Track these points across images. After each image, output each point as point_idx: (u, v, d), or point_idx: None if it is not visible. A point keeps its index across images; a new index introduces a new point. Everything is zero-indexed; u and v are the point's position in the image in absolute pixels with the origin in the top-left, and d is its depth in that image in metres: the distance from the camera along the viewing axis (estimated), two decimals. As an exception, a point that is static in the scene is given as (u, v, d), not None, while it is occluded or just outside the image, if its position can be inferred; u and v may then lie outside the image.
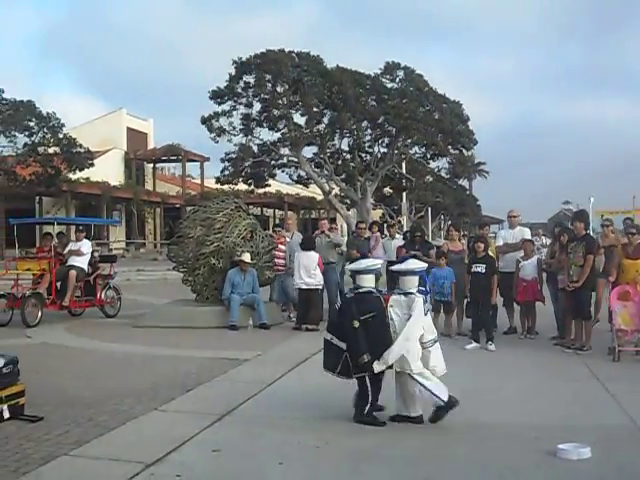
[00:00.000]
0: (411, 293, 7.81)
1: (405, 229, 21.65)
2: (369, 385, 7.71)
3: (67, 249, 17.65)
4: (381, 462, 6.55)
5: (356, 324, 7.53)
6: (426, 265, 8.81)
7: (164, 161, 65.61)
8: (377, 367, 7.51)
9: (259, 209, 58.99)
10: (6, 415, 7.92)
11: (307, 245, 15.91)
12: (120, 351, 13.04)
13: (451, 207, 58.92)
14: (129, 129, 61.85)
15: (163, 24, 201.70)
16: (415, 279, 7.97)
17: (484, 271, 13.03)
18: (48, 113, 39.49)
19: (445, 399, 7.59)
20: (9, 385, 8.11)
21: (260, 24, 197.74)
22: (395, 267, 8.40)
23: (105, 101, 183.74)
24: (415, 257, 15.06)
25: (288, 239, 17.57)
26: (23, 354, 8.96)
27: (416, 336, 7.61)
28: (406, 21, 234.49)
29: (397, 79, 39.39)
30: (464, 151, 46.11)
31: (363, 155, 42.49)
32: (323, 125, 40.77)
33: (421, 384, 7.57)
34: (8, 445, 7.10)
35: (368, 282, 7.88)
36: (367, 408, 7.69)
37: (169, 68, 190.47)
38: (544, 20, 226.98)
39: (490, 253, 13.74)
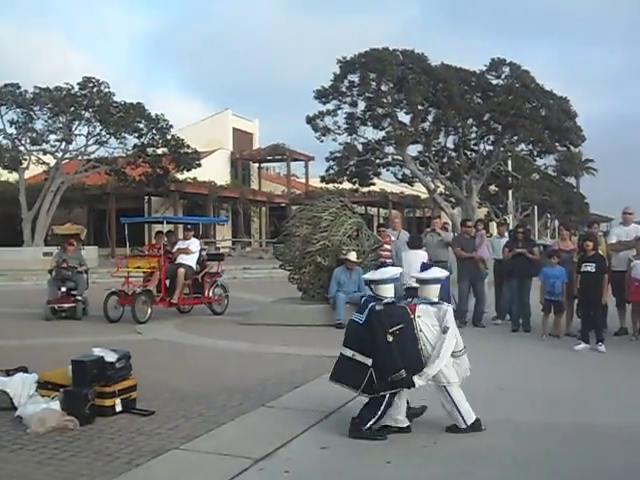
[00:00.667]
0: (438, 303, 7.51)
1: (511, 228, 21.34)
2: (386, 401, 7.23)
3: (176, 247, 17.97)
4: (489, 464, 6.46)
5: (390, 338, 7.08)
6: (448, 274, 8.43)
7: (269, 161, 66.22)
8: (420, 382, 7.18)
9: (363, 208, 58.93)
10: (119, 408, 8.11)
11: (415, 243, 15.80)
12: (228, 348, 13.21)
13: (558, 205, 57.83)
14: (235, 129, 62.66)
15: (266, 25, 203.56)
16: (437, 288, 7.69)
17: (594, 270, 12.69)
18: (157, 115, 40.28)
19: (469, 422, 7.32)
20: (122, 379, 8.31)
21: (361, 23, 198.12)
22: (416, 275, 8.02)
23: (210, 102, 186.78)
24: (520, 255, 15.03)
25: (394, 238, 17.52)
26: (134, 350, 9.13)
27: (452, 348, 7.37)
28: (512, 16, 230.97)
29: (503, 75, 38.79)
30: (572, 148, 45.14)
31: (468, 153, 42.00)
32: (428, 123, 40.47)
33: (451, 397, 7.34)
34: (121, 437, 7.27)
35: (389, 292, 7.55)
36: (371, 423, 7.18)
37: (273, 69, 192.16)
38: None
39: (600, 252, 13.41)
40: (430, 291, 7.64)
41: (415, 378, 7.11)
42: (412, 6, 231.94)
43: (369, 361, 7.18)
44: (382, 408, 7.19)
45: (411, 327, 7.21)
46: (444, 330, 7.26)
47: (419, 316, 7.29)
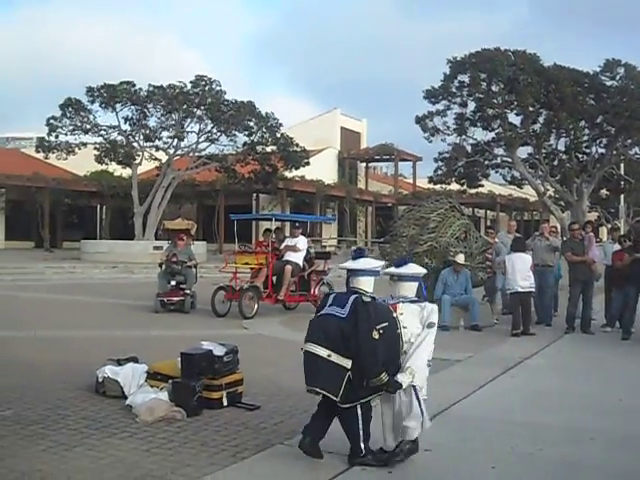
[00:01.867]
0: (419, 301, 6.74)
1: (622, 233, 20.86)
2: (360, 414, 6.39)
3: (284, 245, 18.11)
4: (598, 474, 6.32)
5: (376, 335, 6.21)
6: (425, 271, 7.27)
7: (377, 160, 66.14)
8: (406, 380, 6.34)
9: (470, 210, 58.33)
10: (225, 402, 8.24)
11: (518, 246, 15.59)
12: (332, 346, 13.24)
13: (671, 210, 56.18)
14: (343, 129, 62.74)
15: (376, 23, 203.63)
16: (415, 285, 6.83)
17: None
18: (267, 113, 40.61)
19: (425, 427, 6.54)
20: (229, 373, 8.44)
21: (469, 23, 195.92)
22: (393, 270, 6.93)
23: (317, 102, 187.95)
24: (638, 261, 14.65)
25: (496, 239, 17.44)
26: (240, 344, 9.26)
27: (433, 346, 6.62)
28: (625, 15, 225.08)
29: (617, 77, 37.91)
30: (688, 152, 43.79)
31: (580, 156, 41.13)
32: (539, 125, 39.82)
33: (419, 399, 6.45)
34: (227, 430, 7.40)
35: (369, 286, 6.54)
36: (362, 439, 6.38)
37: (382, 68, 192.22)
38: None
39: None
40: (407, 288, 6.77)
41: (399, 376, 6.32)
42: (520, 4, 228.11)
43: (348, 363, 6.27)
44: (360, 417, 6.39)
45: (394, 327, 6.41)
46: (429, 325, 6.57)
47: (401, 313, 6.53)
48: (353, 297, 6.36)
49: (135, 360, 9.25)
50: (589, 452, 6.97)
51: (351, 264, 6.66)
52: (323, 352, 6.32)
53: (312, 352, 6.42)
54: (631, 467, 6.50)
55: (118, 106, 38.94)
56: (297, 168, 42.95)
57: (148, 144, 40.48)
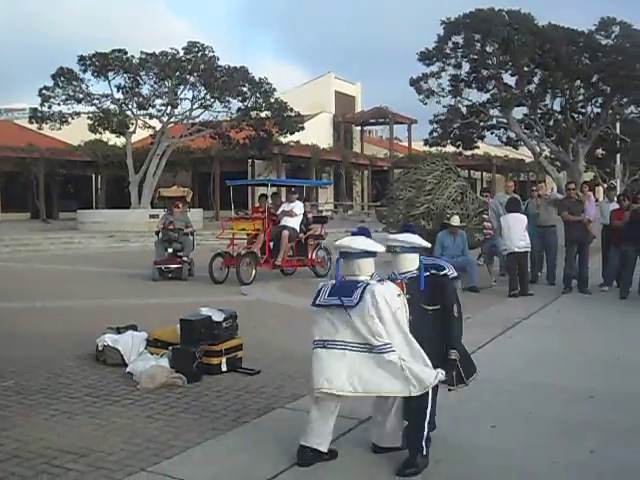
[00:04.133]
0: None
1: (618, 192, 20.83)
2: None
3: (280, 210, 18.10)
4: (597, 432, 6.35)
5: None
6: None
7: (372, 124, 66.12)
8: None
9: (466, 171, 58.25)
10: (224, 368, 8.27)
11: (513, 207, 15.58)
12: (331, 310, 13.28)
13: (668, 169, 56.16)
14: (337, 93, 62.49)
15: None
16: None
17: None
18: (260, 79, 40.39)
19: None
20: (229, 339, 8.48)
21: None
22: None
23: (310, 66, 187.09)
24: (636, 221, 14.63)
25: (491, 200, 17.46)
26: (239, 310, 9.30)
27: None
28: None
29: (612, 35, 37.65)
30: (685, 111, 43.66)
31: (575, 116, 40.94)
32: (534, 85, 39.60)
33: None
34: (227, 395, 7.45)
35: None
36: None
37: (375, 31, 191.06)
38: None
39: None
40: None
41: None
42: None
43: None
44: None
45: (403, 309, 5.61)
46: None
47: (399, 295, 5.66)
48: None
49: (134, 328, 9.29)
50: (588, 410, 7.02)
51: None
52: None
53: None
54: (630, 425, 6.54)
55: (110, 74, 38.75)
56: (292, 133, 42.82)
57: (142, 112, 40.32)
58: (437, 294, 5.87)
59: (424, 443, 5.58)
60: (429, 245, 6.33)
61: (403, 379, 5.36)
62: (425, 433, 5.61)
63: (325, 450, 5.65)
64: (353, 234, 5.96)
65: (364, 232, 5.96)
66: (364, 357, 5.45)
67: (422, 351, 5.46)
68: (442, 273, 5.90)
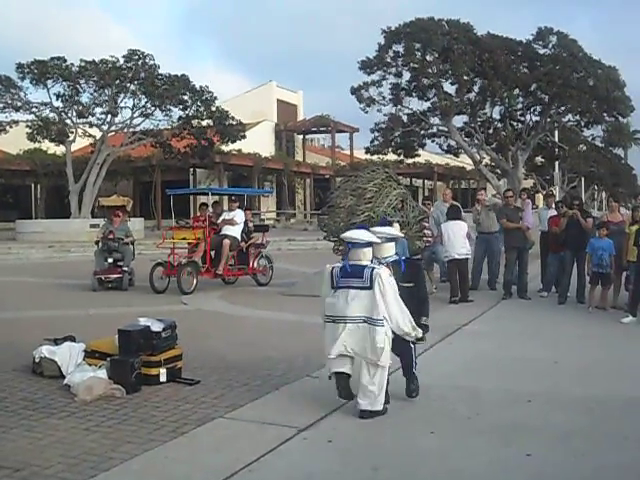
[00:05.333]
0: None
1: (557, 199, 21.08)
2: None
3: (221, 218, 18.04)
4: (535, 436, 6.43)
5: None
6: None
7: (314, 132, 66.14)
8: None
9: (408, 179, 58.64)
10: (163, 379, 8.20)
11: (453, 214, 15.73)
12: (272, 318, 13.29)
13: (605, 177, 56.94)
14: (279, 101, 62.57)
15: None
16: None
17: None
18: (201, 87, 40.20)
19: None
20: (168, 349, 8.41)
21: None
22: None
23: (252, 75, 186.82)
24: (574, 226, 14.80)
25: (432, 209, 17.58)
26: (179, 320, 9.24)
27: None
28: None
29: (550, 45, 38.23)
30: (620, 118, 44.39)
31: (515, 124, 41.46)
32: (473, 93, 39.98)
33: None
34: (167, 406, 7.37)
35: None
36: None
37: (315, 40, 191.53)
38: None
39: None
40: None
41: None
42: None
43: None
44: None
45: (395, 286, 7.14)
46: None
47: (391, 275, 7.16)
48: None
49: (72, 339, 9.16)
50: (527, 414, 7.09)
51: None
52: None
53: None
54: (566, 428, 6.62)
55: (49, 82, 38.20)
56: (233, 141, 42.71)
57: (81, 120, 39.82)
58: (412, 274, 7.80)
59: (414, 372, 7.57)
60: (402, 235, 8.30)
61: (380, 349, 6.87)
62: (415, 366, 7.59)
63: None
64: (357, 228, 7.64)
65: (365, 227, 7.69)
66: (360, 327, 6.96)
67: (409, 313, 7.13)
68: (416, 257, 8.54)
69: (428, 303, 8.20)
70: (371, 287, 6.92)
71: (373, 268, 7.00)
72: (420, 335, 7.32)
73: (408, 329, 7.11)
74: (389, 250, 7.62)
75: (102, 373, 7.99)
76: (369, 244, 7.18)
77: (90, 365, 8.38)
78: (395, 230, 8.05)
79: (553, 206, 17.06)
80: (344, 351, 7.00)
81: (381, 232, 7.60)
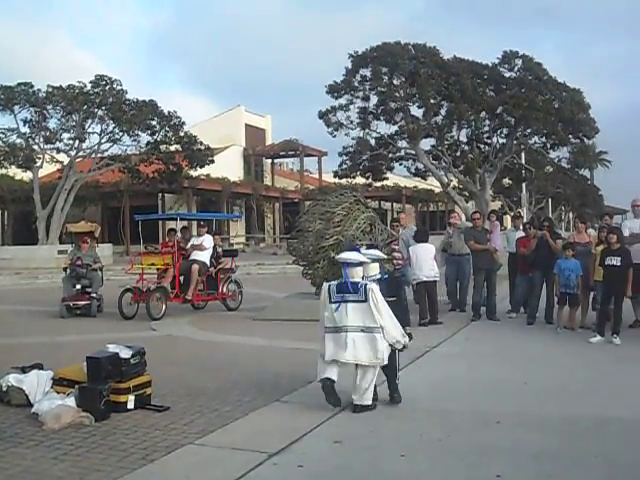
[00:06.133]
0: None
1: (525, 221, 21.20)
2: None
3: (190, 244, 18.00)
4: (505, 457, 6.46)
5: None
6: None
7: (282, 156, 66.25)
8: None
9: (377, 202, 58.85)
10: (130, 405, 8.15)
11: (420, 237, 15.83)
12: (242, 343, 13.25)
13: (572, 198, 57.55)
14: (247, 126, 62.65)
15: (268, 22, 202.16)
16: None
17: (619, 264, 12.64)
18: (169, 112, 40.25)
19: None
20: (137, 375, 8.35)
21: (368, 17, 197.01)
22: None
23: (219, 100, 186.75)
24: (543, 247, 14.92)
25: (401, 230, 17.65)
26: (148, 346, 9.19)
27: None
28: (514, 7, 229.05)
29: (515, 68, 38.58)
30: (585, 140, 44.88)
31: (482, 146, 41.74)
32: (441, 117, 40.18)
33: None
34: (136, 433, 7.31)
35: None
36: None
37: (282, 65, 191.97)
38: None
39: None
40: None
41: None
42: (412, 1, 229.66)
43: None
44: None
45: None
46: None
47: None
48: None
49: (40, 367, 9.08)
50: (497, 435, 7.12)
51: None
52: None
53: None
54: (537, 448, 6.65)
55: (16, 108, 38.11)
56: (202, 166, 42.69)
57: (49, 146, 39.61)
58: (394, 290, 8.90)
59: (397, 382, 8.39)
60: (385, 257, 9.75)
61: (381, 352, 7.94)
62: (397, 375, 8.41)
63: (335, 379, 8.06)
64: (350, 250, 8.72)
65: (357, 249, 8.88)
66: (360, 336, 7.96)
67: (399, 324, 8.15)
68: (397, 275, 9.94)
69: (409, 314, 9.63)
70: (366, 300, 7.98)
71: (366, 284, 8.07)
72: (408, 342, 8.30)
73: (399, 337, 8.07)
74: (375, 269, 8.49)
75: (70, 401, 7.92)
76: (360, 264, 8.27)
77: (58, 393, 8.30)
78: (379, 253, 9.16)
79: (521, 227, 17.18)
80: (352, 359, 7.96)
81: (368, 254, 8.64)
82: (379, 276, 8.55)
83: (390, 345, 8.08)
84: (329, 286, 8.28)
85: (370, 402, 8.00)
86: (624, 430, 7.24)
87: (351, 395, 8.03)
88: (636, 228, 14.37)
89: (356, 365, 8.01)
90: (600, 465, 6.27)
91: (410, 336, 8.46)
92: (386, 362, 8.02)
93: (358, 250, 8.74)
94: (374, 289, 8.03)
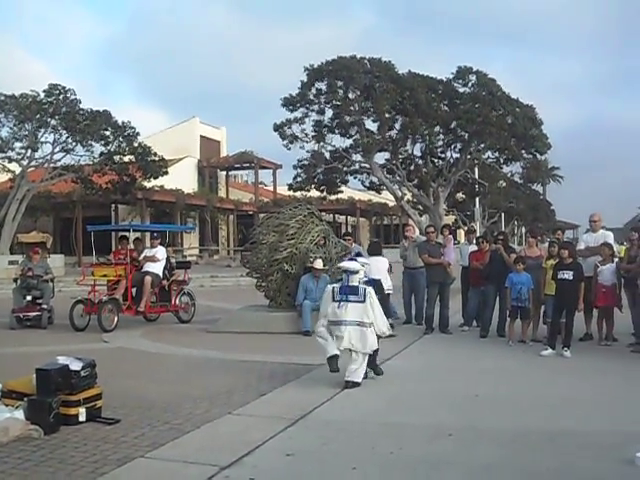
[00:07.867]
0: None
1: (478, 235, 21.35)
2: None
3: (142, 255, 17.89)
4: (457, 469, 6.49)
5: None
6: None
7: (237, 168, 66.10)
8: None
9: (331, 216, 58.99)
10: (82, 418, 8.05)
11: (373, 250, 15.90)
12: (195, 356, 13.17)
13: (525, 212, 58.29)
14: (202, 137, 62.46)
15: (222, 34, 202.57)
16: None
17: (571, 278, 12.79)
18: (123, 122, 39.98)
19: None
20: (87, 388, 8.26)
21: (320, 31, 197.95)
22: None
23: (173, 111, 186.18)
24: (497, 261, 15.04)
25: (354, 245, 17.77)
26: (100, 358, 9.11)
27: None
28: (467, 24, 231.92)
29: (469, 84, 38.93)
30: (538, 156, 45.40)
31: (435, 161, 42.04)
32: (395, 131, 40.44)
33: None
34: (86, 446, 7.23)
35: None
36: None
37: (237, 77, 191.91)
38: (612, 21, 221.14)
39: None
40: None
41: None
42: (366, 17, 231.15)
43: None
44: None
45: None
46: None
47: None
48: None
49: (-12, 379, 8.95)
50: (448, 448, 7.13)
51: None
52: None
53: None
54: (488, 460, 6.69)
55: (-33, 117, 37.60)
56: (156, 178, 42.46)
57: (0, 155, 39.11)
58: (377, 290, 10.65)
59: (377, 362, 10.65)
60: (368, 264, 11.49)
61: (370, 344, 10.00)
62: (376, 358, 10.54)
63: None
64: (350, 260, 10.99)
65: (355, 259, 10.92)
66: (355, 329, 9.94)
67: (385, 319, 10.45)
68: (377, 278, 12.21)
69: (389, 309, 13.22)
70: (364, 301, 10.02)
71: (365, 287, 10.15)
72: (392, 333, 11.23)
73: (384, 329, 10.27)
74: (361, 274, 10.40)
75: (19, 414, 7.81)
76: (358, 271, 10.24)
77: (7, 406, 8.17)
78: (366, 260, 11.75)
79: (474, 241, 17.30)
80: (348, 346, 9.91)
81: (361, 261, 10.80)
82: (365, 279, 10.52)
83: (377, 335, 10.10)
84: (333, 288, 10.26)
85: (360, 380, 9.87)
86: (574, 442, 7.30)
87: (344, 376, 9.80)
88: (592, 242, 14.61)
89: (350, 350, 9.90)
90: (551, 478, 6.32)
91: (392, 326, 11.20)
92: (369, 351, 10.02)
93: (356, 260, 10.78)
94: (371, 292, 10.12)
